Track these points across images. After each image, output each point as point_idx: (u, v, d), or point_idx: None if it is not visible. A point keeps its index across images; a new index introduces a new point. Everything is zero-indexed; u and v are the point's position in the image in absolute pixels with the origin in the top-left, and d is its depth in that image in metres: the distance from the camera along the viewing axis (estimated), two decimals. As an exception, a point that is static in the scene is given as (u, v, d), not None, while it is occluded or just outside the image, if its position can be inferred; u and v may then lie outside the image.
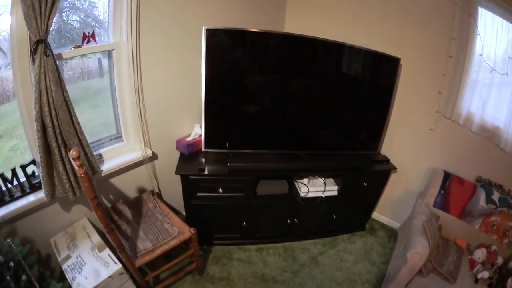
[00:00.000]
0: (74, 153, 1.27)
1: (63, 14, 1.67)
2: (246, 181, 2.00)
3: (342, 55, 2.06)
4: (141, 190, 2.04)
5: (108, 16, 1.69)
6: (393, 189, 2.67)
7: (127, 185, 1.98)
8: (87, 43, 1.64)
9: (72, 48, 1.60)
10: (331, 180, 2.32)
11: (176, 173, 1.89)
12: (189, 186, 1.96)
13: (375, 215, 2.87)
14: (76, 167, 1.30)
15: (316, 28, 2.37)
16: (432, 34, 2.10)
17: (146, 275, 1.75)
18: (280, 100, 2.05)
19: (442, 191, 2.32)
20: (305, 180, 2.24)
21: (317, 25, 2.43)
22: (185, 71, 1.94)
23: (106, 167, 1.82)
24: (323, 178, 2.28)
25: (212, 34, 1.69)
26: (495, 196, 2.18)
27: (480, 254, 2.02)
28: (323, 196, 2.21)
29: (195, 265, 1.97)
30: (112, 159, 1.88)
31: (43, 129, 1.39)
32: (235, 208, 2.12)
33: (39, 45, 1.26)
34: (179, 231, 1.79)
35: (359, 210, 2.54)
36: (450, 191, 2.29)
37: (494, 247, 2.03)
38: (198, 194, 2.00)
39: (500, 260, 1.98)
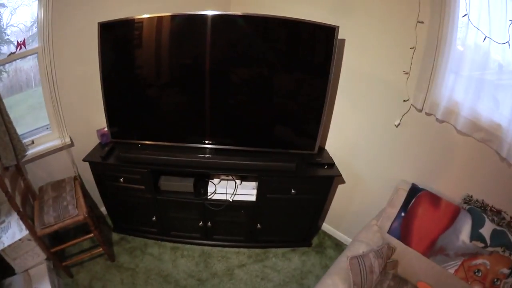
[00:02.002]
0: None
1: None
2: (142, 173, 1.91)
3: (257, 29, 1.72)
4: (68, 175, 2.22)
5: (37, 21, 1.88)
6: (350, 201, 2.12)
7: (54, 169, 2.17)
8: (19, 50, 1.89)
9: (8, 55, 1.88)
10: (253, 183, 1.97)
11: (83, 160, 1.98)
12: (96, 174, 2.01)
13: (329, 229, 2.34)
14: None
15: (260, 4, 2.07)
16: None
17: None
18: (188, 87, 1.86)
19: (403, 213, 1.71)
20: (216, 180, 1.98)
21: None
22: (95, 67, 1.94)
23: (35, 151, 2.07)
24: (238, 180, 1.97)
25: (104, 27, 1.69)
26: (486, 228, 1.51)
27: None
28: (230, 200, 1.91)
29: (101, 250, 2.03)
30: (41, 144, 2.12)
31: None
32: (142, 201, 2.04)
33: None
34: (78, 213, 1.91)
35: (296, 222, 2.08)
36: (416, 214, 1.70)
37: None
38: (105, 182, 2.03)
39: None
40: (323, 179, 1.88)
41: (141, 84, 1.87)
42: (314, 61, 1.74)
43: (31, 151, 2.05)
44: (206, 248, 2.19)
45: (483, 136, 1.47)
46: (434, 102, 1.59)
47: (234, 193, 1.91)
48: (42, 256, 1.94)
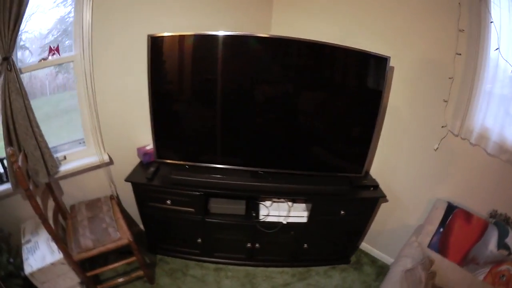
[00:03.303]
0: (10, 151, 1.44)
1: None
2: (193, 196, 1.92)
3: (314, 56, 1.80)
4: (103, 194, 2.10)
5: (72, 29, 1.84)
6: (387, 220, 2.33)
7: (89, 187, 2.08)
8: (52, 55, 1.79)
9: (41, 61, 1.79)
10: (302, 205, 2.09)
11: (125, 180, 1.92)
12: (139, 194, 1.98)
13: (366, 246, 2.53)
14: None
15: (302, 28, 2.18)
16: (435, 26, 1.77)
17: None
18: (240, 110, 1.89)
19: (441, 230, 1.91)
20: (268, 203, 2.06)
21: (303, 25, 2.23)
22: (139, 83, 1.89)
23: (67, 168, 1.96)
24: (290, 203, 2.07)
25: (155, 42, 1.67)
26: (510, 238, 1.74)
27: None
28: (284, 223, 1.99)
29: (142, 273, 1.95)
30: (74, 161, 2.03)
31: (7, 130, 1.62)
32: (187, 223, 2.05)
33: (4, 61, 1.48)
34: (120, 236, 1.83)
35: (339, 241, 2.24)
36: (452, 230, 1.91)
37: None
38: (149, 203, 1.99)
39: None
40: (370, 201, 2.06)
41: (190, 103, 1.89)
42: (367, 88, 1.88)
43: (64, 168, 1.97)
44: (249, 268, 2.25)
45: (508, 157, 1.72)
46: (468, 128, 1.82)
47: (288, 215, 1.98)
48: (76, 280, 1.84)
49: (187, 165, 1.95)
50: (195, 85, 1.85)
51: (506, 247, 1.71)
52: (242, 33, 1.69)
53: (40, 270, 1.65)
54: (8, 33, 1.44)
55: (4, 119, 1.58)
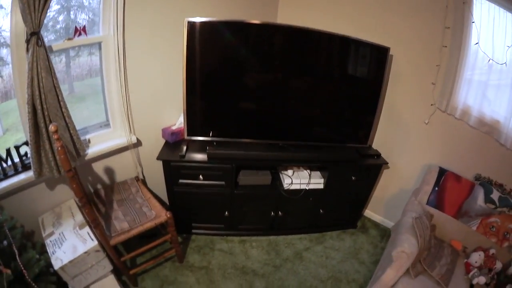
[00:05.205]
0: (52, 128, 1.37)
1: (71, 12, 1.82)
2: (226, 169, 2.03)
3: (329, 45, 2.04)
4: (127, 176, 2.09)
5: (99, 10, 1.80)
6: (386, 187, 2.60)
7: (113, 169, 2.07)
8: (78, 36, 1.74)
9: (65, 41, 1.72)
10: (318, 173, 2.31)
11: (157, 158, 1.96)
12: (170, 173, 2.02)
13: (368, 213, 2.81)
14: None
15: (306, 19, 2.39)
16: (425, 23, 2.07)
17: (123, 256, 1.79)
18: (265, 90, 2.05)
19: (437, 188, 2.22)
20: (290, 172, 2.24)
21: (307, 16, 2.45)
22: (170, 62, 2.01)
23: (93, 150, 1.92)
24: (308, 171, 2.27)
25: (192, 26, 1.75)
26: (495, 195, 2.07)
27: (477, 258, 1.88)
28: (307, 189, 2.20)
29: (174, 251, 1.99)
30: (99, 144, 1.98)
31: (33, 110, 1.52)
32: (217, 197, 2.15)
33: (33, 37, 1.40)
34: (156, 214, 1.84)
35: (348, 206, 2.50)
36: (445, 188, 2.19)
37: (492, 251, 1.92)
38: (179, 181, 2.05)
39: (498, 265, 1.86)
40: (375, 167, 2.32)
41: (220, 83, 1.98)
42: (373, 72, 2.14)
43: (92, 150, 1.92)
44: (271, 237, 2.40)
45: (487, 129, 2.07)
46: (453, 106, 2.15)
47: (309, 182, 2.17)
48: (108, 268, 1.77)
49: (215, 141, 2.04)
50: (225, 68, 1.94)
51: (492, 201, 2.01)
52: (269, 22, 1.92)
53: (72, 262, 1.54)
54: (39, 6, 1.36)
55: (30, 98, 1.48)
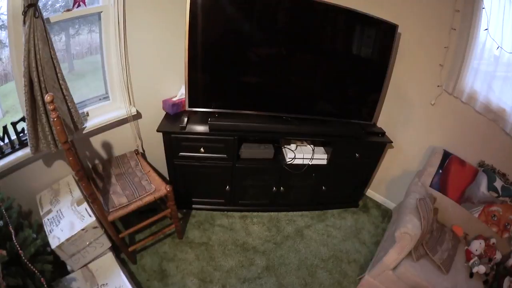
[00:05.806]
0: (48, 97, 1.27)
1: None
2: (227, 141, 1.95)
3: (336, 18, 1.94)
4: (126, 150, 2.01)
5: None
6: (390, 167, 2.56)
7: (112, 143, 1.99)
8: (77, 7, 1.64)
9: (63, 12, 1.62)
10: (321, 148, 2.25)
11: (157, 130, 1.88)
12: (171, 145, 1.94)
13: (370, 193, 2.79)
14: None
15: None
16: (435, 4, 1.97)
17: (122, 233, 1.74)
18: (270, 61, 1.95)
19: (440, 171, 2.18)
20: (293, 146, 2.18)
21: None
22: (172, 32, 1.90)
23: (91, 123, 1.84)
24: (312, 146, 2.21)
25: None
26: (498, 183, 2.01)
27: (477, 246, 1.87)
28: (310, 164, 2.14)
29: (174, 226, 1.94)
30: (97, 116, 1.90)
31: (30, 83, 1.45)
32: (218, 171, 2.08)
33: (30, 8, 1.34)
34: (156, 188, 1.78)
35: (351, 184, 2.45)
36: (449, 171, 2.15)
37: (493, 241, 1.91)
38: (180, 153, 1.97)
39: (498, 256, 1.85)
40: (379, 145, 2.27)
41: (223, 53, 1.87)
42: (378, 50, 2.06)
43: (90, 123, 1.84)
44: (272, 213, 2.36)
45: (493, 117, 1.99)
46: (460, 89, 2.08)
47: (312, 157, 2.12)
48: (107, 245, 1.72)
49: (217, 113, 1.95)
50: (228, 38, 1.83)
51: (495, 189, 1.95)
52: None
53: (69, 240, 1.48)
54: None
55: (27, 71, 1.41)
